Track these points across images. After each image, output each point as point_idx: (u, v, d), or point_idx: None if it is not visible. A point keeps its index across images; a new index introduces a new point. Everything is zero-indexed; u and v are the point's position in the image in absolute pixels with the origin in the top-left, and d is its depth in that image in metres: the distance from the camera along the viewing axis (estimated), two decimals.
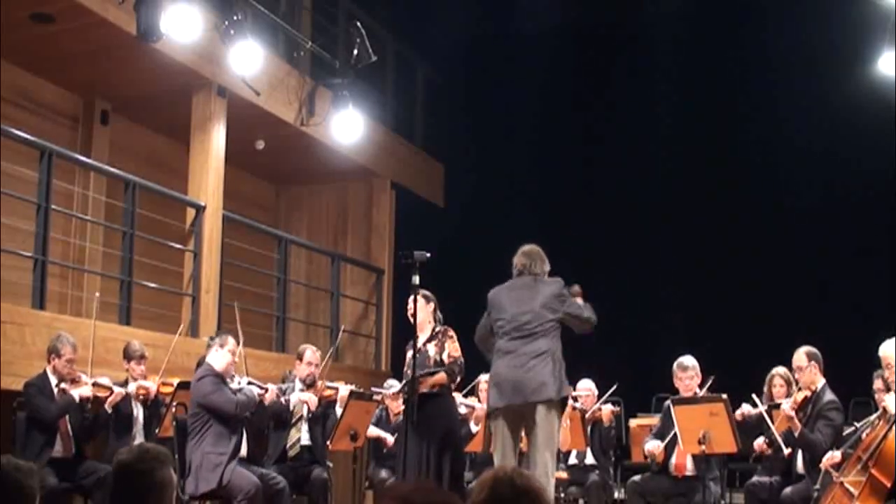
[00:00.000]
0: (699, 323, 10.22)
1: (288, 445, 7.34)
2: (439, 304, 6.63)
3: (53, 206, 7.43)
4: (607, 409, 8.02)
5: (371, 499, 8.25)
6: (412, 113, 12.23)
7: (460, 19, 11.50)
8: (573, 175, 11.59)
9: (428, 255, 5.96)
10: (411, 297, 6.16)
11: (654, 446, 7.02)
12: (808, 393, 6.60)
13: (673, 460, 7.01)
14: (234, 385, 6.53)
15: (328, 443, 7.28)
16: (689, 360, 7.13)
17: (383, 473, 7.81)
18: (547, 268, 6.16)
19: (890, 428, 5.47)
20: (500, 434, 5.98)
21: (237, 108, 8.92)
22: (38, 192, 7.26)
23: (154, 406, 6.98)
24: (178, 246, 8.78)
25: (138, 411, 6.94)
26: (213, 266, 8.76)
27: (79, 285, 8.69)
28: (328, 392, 7.49)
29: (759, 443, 6.88)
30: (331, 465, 7.57)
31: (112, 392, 6.64)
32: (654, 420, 7.48)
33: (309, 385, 7.45)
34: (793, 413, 6.49)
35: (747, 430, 6.84)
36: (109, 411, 6.68)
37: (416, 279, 6.01)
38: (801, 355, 6.66)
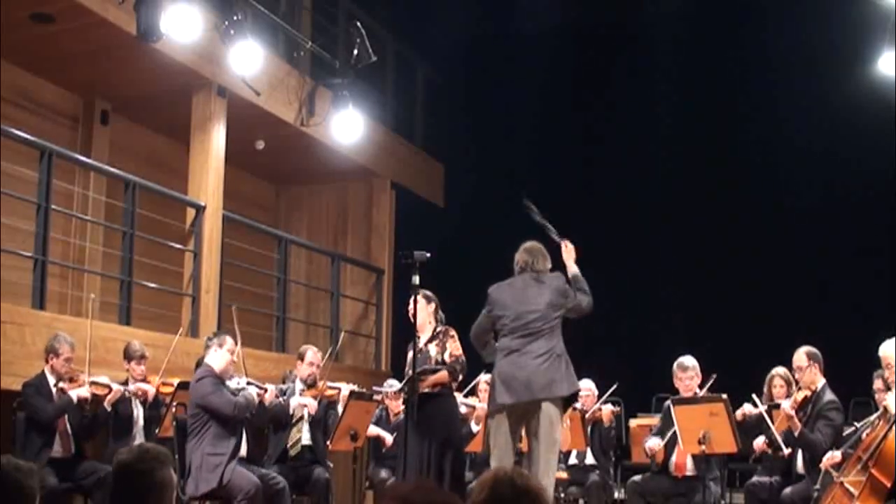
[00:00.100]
0: (699, 323, 10.22)
1: (289, 445, 7.33)
2: (440, 304, 6.63)
3: (53, 206, 7.43)
4: (607, 410, 8.03)
5: (371, 499, 8.26)
6: (412, 113, 12.22)
7: (460, 19, 11.50)
8: (573, 175, 11.57)
9: (428, 255, 5.96)
10: (412, 298, 6.16)
11: (654, 443, 7.01)
12: (808, 393, 6.60)
13: (673, 460, 7.01)
14: (233, 385, 6.53)
15: (328, 443, 7.28)
16: (689, 361, 7.13)
17: (383, 473, 7.81)
18: (549, 264, 6.16)
19: (890, 428, 5.46)
20: (499, 433, 5.95)
21: (237, 108, 8.91)
22: (38, 192, 7.26)
23: (154, 406, 6.97)
24: (178, 246, 8.77)
25: (138, 411, 6.94)
26: (213, 266, 8.75)
27: (79, 285, 8.68)
28: (330, 392, 7.48)
29: (759, 443, 6.88)
30: (331, 465, 7.57)
31: (111, 390, 6.63)
32: (654, 420, 7.48)
33: (310, 385, 7.45)
34: (793, 413, 6.49)
35: (747, 430, 6.84)
36: (109, 409, 6.68)
37: (416, 279, 6.01)
38: (801, 355, 6.66)
